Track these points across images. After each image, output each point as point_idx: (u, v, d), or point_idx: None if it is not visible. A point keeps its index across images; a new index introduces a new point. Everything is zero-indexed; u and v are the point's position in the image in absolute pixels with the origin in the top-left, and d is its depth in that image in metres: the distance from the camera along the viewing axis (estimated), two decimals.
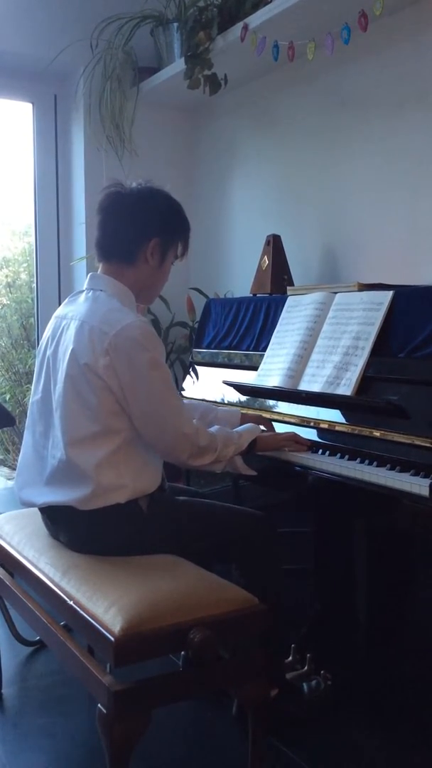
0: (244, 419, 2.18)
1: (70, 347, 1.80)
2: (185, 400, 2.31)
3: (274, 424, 2.18)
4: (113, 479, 1.78)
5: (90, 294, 1.89)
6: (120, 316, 1.78)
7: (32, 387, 2.01)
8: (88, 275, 1.95)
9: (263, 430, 2.10)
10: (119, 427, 1.79)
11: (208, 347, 2.74)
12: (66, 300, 1.99)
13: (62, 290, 3.58)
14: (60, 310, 1.97)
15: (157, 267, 1.93)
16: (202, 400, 2.57)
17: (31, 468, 1.95)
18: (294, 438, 2.04)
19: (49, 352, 1.91)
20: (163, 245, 1.92)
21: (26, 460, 1.97)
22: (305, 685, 2.05)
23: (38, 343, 2.06)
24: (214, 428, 1.95)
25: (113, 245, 1.91)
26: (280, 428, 2.17)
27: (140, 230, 1.90)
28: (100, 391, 1.76)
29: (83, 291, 1.93)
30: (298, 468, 1.98)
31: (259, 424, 2.19)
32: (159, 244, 1.91)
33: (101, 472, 1.77)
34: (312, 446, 2.02)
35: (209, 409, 2.22)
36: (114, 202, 1.92)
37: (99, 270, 1.95)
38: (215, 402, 2.50)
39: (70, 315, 1.88)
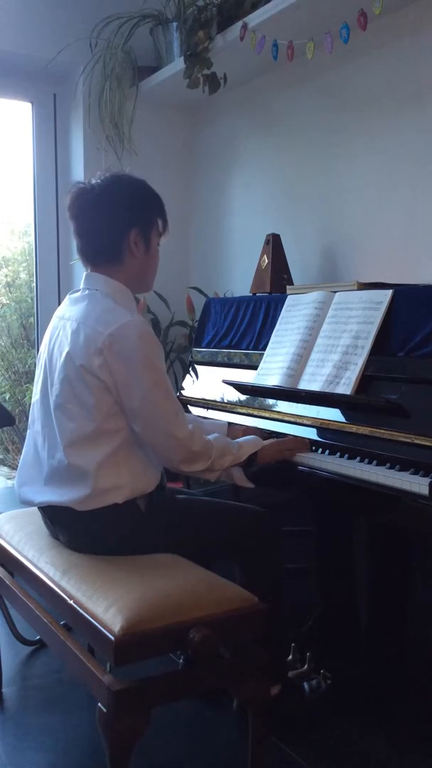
0: (231, 431, 2.15)
1: (66, 349, 1.80)
2: (188, 404, 2.32)
3: (273, 423, 2.18)
4: (112, 480, 1.77)
5: (86, 293, 1.87)
6: (115, 315, 1.77)
7: (33, 387, 2.00)
8: (84, 274, 1.93)
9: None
10: (117, 427, 1.79)
11: (207, 346, 2.74)
12: (65, 299, 1.98)
13: (62, 289, 3.58)
14: (59, 310, 1.96)
15: (145, 255, 1.90)
16: (202, 399, 2.57)
17: (31, 467, 1.95)
18: (296, 447, 2.00)
19: (47, 353, 1.91)
20: (143, 232, 1.88)
21: (27, 459, 1.97)
22: (306, 684, 2.05)
23: (38, 343, 2.06)
24: (212, 436, 1.92)
25: (96, 250, 1.88)
26: (279, 427, 2.17)
27: (116, 227, 1.85)
28: (97, 392, 1.75)
29: (79, 290, 1.91)
30: (297, 467, 1.98)
31: (245, 433, 2.13)
32: (139, 233, 1.87)
33: (100, 473, 1.76)
34: (312, 445, 2.02)
35: (195, 420, 2.19)
36: (81, 205, 1.87)
37: (90, 269, 1.92)
38: (215, 401, 2.51)
39: (67, 315, 1.87)
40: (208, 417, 2.37)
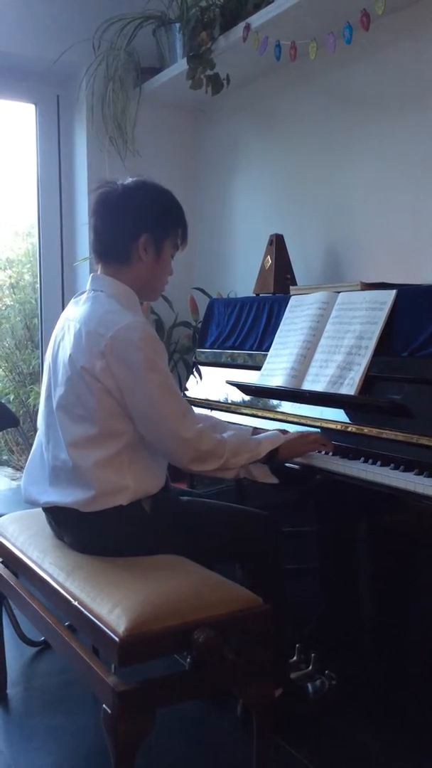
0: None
1: (69, 351, 1.79)
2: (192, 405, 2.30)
3: (277, 424, 2.18)
4: (115, 481, 1.77)
5: (91, 294, 1.87)
6: (118, 317, 1.76)
7: (41, 388, 2.01)
8: (90, 276, 1.94)
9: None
10: (121, 429, 1.78)
11: (211, 347, 2.74)
12: (71, 300, 1.98)
13: (65, 291, 3.59)
14: (65, 311, 1.96)
15: (154, 262, 1.89)
16: (206, 400, 2.57)
17: (37, 467, 1.95)
18: (320, 440, 1.96)
19: (52, 354, 1.91)
20: (156, 239, 1.88)
21: (34, 459, 1.98)
22: (310, 686, 2.05)
23: (41, 344, 2.06)
24: (227, 433, 1.91)
25: (106, 247, 1.89)
26: (280, 427, 2.17)
27: (129, 228, 1.86)
28: (99, 394, 1.75)
29: (85, 291, 1.92)
30: (301, 468, 1.98)
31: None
32: (151, 239, 1.87)
33: (103, 475, 1.76)
34: None
35: (218, 424, 2.14)
36: (102, 202, 1.89)
37: (98, 271, 1.93)
38: (219, 402, 2.51)
39: (72, 317, 1.87)
40: (235, 422, 2.30)
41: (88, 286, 1.92)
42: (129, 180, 1.91)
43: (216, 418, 2.22)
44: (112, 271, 1.89)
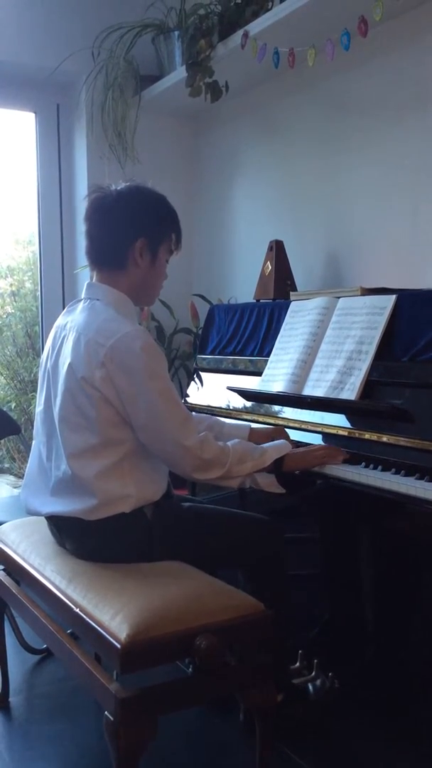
0: (253, 434, 2.10)
1: (68, 360, 1.79)
2: (192, 411, 2.30)
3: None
4: (117, 490, 1.77)
5: (87, 303, 1.86)
6: (116, 326, 1.75)
7: (36, 398, 2.00)
8: (85, 284, 1.93)
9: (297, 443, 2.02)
10: (121, 437, 1.78)
11: (212, 353, 2.75)
12: (65, 309, 1.98)
13: (66, 298, 3.60)
14: (59, 320, 1.95)
15: (150, 267, 1.89)
16: (207, 406, 2.57)
17: (37, 478, 1.95)
18: (329, 453, 1.92)
19: (49, 364, 1.90)
20: (151, 243, 1.87)
21: (32, 470, 1.97)
22: (310, 686, 2.03)
23: (42, 352, 2.06)
24: (232, 441, 1.88)
25: (101, 253, 1.88)
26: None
27: (124, 233, 1.85)
28: (98, 404, 1.74)
29: (81, 300, 1.91)
30: (301, 472, 1.98)
31: (270, 435, 2.10)
32: (146, 244, 1.86)
33: (104, 484, 1.76)
34: None
35: (216, 422, 2.14)
36: (96, 208, 1.88)
37: (94, 278, 1.92)
38: (220, 408, 2.51)
39: (68, 326, 1.86)
40: (231, 419, 2.31)
41: (83, 294, 1.91)
42: (122, 185, 1.90)
43: (213, 417, 2.21)
44: (107, 278, 1.88)
